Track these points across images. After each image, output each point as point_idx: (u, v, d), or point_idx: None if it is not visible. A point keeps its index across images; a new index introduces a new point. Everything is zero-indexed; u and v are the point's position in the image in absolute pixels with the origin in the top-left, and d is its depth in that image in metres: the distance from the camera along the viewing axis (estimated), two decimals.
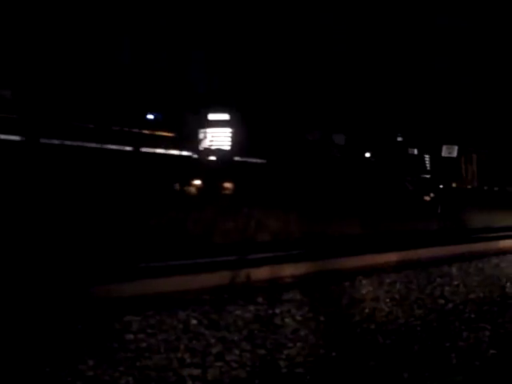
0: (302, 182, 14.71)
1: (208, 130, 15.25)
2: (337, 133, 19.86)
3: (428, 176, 20.60)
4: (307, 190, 13.75)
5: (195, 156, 14.92)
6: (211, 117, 15.36)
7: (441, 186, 20.24)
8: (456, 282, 6.74)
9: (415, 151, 21.04)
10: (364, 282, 6.38)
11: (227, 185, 14.21)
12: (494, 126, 24.00)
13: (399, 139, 21.20)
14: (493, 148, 24.10)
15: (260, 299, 5.28)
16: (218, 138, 15.26)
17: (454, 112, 23.14)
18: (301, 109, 18.64)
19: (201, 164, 14.58)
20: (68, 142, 13.11)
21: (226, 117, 15.35)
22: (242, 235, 8.79)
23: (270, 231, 9.39)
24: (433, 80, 22.83)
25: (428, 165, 21.00)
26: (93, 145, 13.56)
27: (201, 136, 15.18)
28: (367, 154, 20.22)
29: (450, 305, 5.64)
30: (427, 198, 18.93)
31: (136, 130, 14.80)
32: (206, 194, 12.87)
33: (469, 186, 23.31)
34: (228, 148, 15.15)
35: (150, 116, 18.22)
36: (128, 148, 14.16)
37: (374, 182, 17.58)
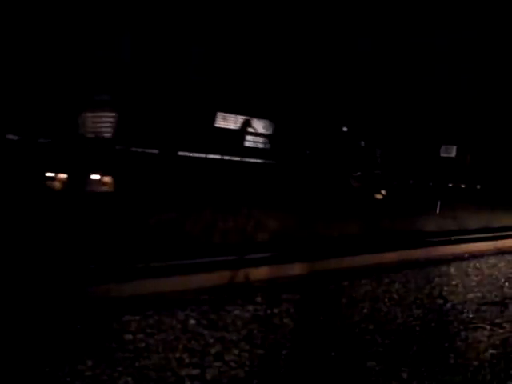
0: (203, 178, 13.06)
1: (87, 113, 13.27)
2: (260, 118, 16.78)
3: (379, 172, 18.51)
4: (208, 187, 12.27)
5: (63, 144, 12.85)
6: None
7: (439, 186, 19.79)
8: (455, 282, 6.75)
9: (362, 143, 18.76)
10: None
11: (105, 179, 12.58)
12: (493, 124, 23.94)
13: (344, 129, 18.83)
14: (492, 147, 24.04)
15: (259, 299, 5.28)
16: (98, 123, 13.42)
17: (449, 109, 22.67)
18: (206, 85, 15.34)
19: (68, 154, 12.63)
20: None
21: (107, 97, 13.42)
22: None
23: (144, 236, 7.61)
24: (412, 72, 21.27)
25: (379, 159, 18.97)
26: None
27: (79, 121, 13.29)
28: (301, 145, 17.05)
29: (449, 305, 5.65)
30: (379, 196, 17.27)
31: None
32: (74, 191, 11.24)
33: (467, 186, 23.32)
34: (109, 135, 13.30)
35: None
36: None
37: (305, 178, 15.35)
